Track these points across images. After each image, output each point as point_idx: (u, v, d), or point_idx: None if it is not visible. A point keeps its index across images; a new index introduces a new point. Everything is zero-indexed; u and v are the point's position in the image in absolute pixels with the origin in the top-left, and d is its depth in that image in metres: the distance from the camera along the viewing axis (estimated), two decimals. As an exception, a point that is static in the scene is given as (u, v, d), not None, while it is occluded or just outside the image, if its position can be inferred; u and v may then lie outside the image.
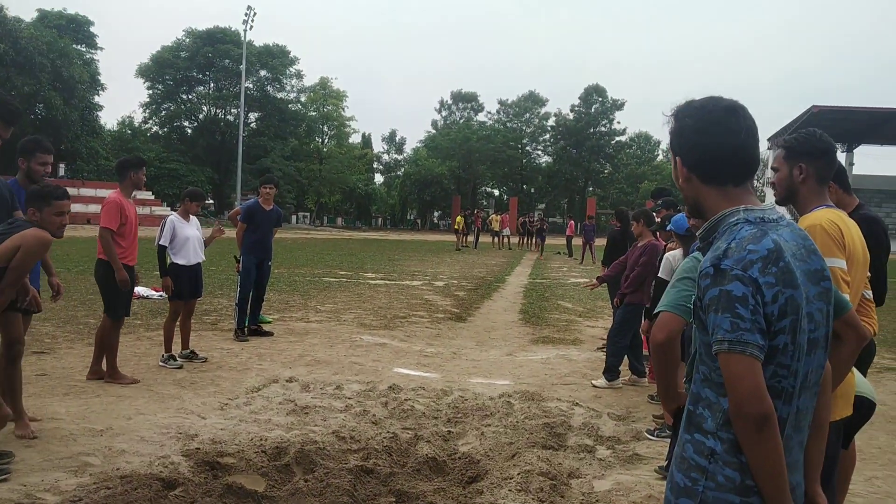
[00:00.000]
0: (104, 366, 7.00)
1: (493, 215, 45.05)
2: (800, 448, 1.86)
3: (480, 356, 9.10)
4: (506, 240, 40.88)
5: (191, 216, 8.20)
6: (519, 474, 4.67)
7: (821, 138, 3.03)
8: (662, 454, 5.27)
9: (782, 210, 2.87)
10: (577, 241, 35.81)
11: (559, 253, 35.34)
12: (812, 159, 3.02)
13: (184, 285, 7.90)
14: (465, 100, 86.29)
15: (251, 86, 69.32)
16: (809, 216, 2.98)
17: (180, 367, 7.62)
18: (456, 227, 38.96)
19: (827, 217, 2.93)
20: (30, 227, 4.74)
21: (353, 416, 6.11)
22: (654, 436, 5.74)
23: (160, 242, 7.87)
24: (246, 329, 9.55)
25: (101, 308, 7.13)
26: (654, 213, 7.99)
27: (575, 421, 6.23)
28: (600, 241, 23.80)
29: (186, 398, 6.49)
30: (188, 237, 7.95)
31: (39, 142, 5.67)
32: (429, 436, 5.57)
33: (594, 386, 7.55)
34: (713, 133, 1.88)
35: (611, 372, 7.59)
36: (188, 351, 8.08)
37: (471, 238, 39.00)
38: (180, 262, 7.89)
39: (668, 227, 6.16)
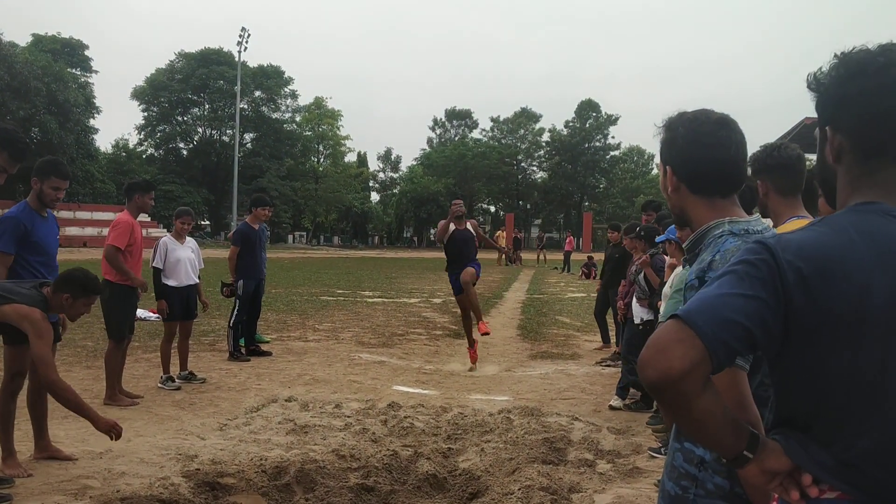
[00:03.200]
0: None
1: (499, 232, 44.80)
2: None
3: (479, 372, 9.10)
4: (503, 256, 40.91)
5: (187, 238, 8.22)
6: (519, 489, 4.66)
7: (770, 153, 3.03)
8: (663, 467, 5.26)
9: (768, 221, 2.89)
10: (576, 257, 35.89)
11: (556, 268, 35.34)
12: (767, 174, 3.03)
13: (175, 307, 7.90)
14: (459, 117, 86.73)
15: (246, 106, 69.67)
16: (779, 228, 3.00)
17: (178, 389, 7.61)
18: None
19: (796, 228, 2.94)
20: (39, 299, 4.67)
21: (353, 434, 6.10)
22: (661, 453, 5.67)
23: (153, 265, 7.90)
24: (243, 349, 9.55)
25: (98, 331, 7.12)
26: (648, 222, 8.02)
27: (575, 435, 6.23)
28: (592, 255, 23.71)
29: (185, 419, 6.48)
30: (179, 259, 7.95)
31: (57, 166, 5.41)
32: (429, 453, 5.57)
33: (611, 407, 7.26)
34: (704, 145, 1.90)
35: (626, 391, 7.43)
36: (186, 372, 8.07)
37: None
38: (171, 283, 7.89)
39: (659, 239, 6.17)
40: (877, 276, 1.36)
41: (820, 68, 1.54)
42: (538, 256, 42.52)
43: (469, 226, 9.83)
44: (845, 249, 1.38)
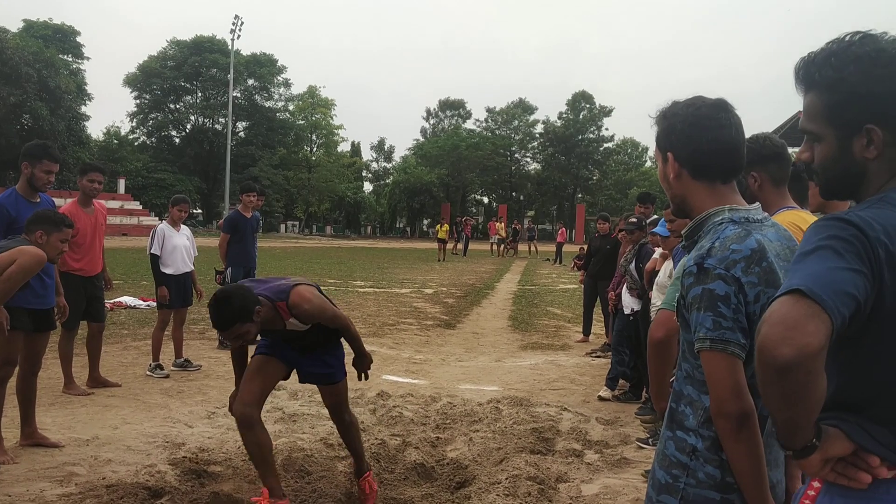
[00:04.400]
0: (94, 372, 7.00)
1: (499, 223, 44.42)
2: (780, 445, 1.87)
3: (469, 362, 9.11)
4: (494, 247, 40.90)
5: (182, 225, 8.19)
6: (507, 479, 4.67)
7: (765, 143, 3.02)
8: (650, 458, 5.27)
9: None
10: (568, 248, 35.92)
11: (548, 259, 35.39)
12: (762, 165, 3.02)
13: (172, 294, 7.87)
14: (453, 107, 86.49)
15: (239, 95, 69.35)
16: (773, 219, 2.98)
17: (167, 377, 7.58)
18: (440, 236, 35.13)
19: (788, 220, 2.94)
20: (27, 244, 4.67)
21: (342, 423, 6.09)
22: (648, 444, 5.69)
23: (151, 251, 7.86)
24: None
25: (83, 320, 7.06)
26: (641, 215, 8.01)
27: (563, 426, 6.24)
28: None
29: (173, 407, 6.47)
30: (175, 246, 7.92)
31: (47, 149, 5.37)
32: (417, 442, 5.57)
33: (600, 398, 7.28)
34: (705, 127, 1.89)
35: (616, 381, 7.43)
36: (182, 360, 8.05)
37: (460, 246, 38.73)
38: (167, 271, 7.86)
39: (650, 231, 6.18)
40: None
41: (830, 62, 1.52)
42: (529, 248, 42.56)
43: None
44: None
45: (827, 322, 1.28)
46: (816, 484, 1.50)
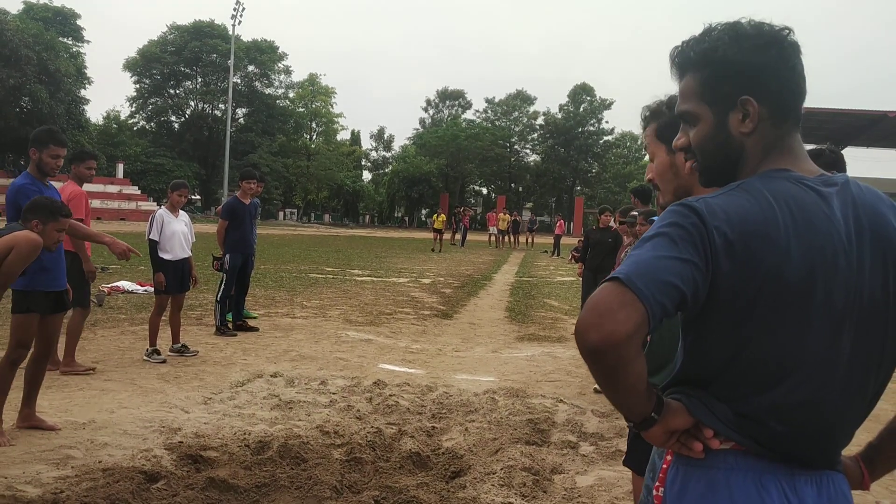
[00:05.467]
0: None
1: (504, 214, 43.90)
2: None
3: (466, 353, 9.12)
4: (492, 238, 40.88)
5: (180, 211, 8.18)
6: (502, 469, 4.69)
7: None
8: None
9: None
10: (566, 241, 35.96)
11: (546, 251, 35.41)
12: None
13: (169, 280, 7.87)
14: (452, 97, 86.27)
15: (239, 81, 69.14)
16: None
17: (164, 362, 7.59)
18: (437, 226, 33.30)
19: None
20: (22, 230, 4.67)
21: (338, 411, 6.11)
22: None
23: (150, 237, 7.86)
24: (230, 324, 9.53)
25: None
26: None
27: (559, 417, 6.26)
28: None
29: (170, 392, 6.47)
30: (174, 232, 7.92)
31: (53, 133, 5.46)
32: (413, 431, 5.58)
33: (596, 390, 7.22)
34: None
35: None
36: (179, 345, 8.05)
37: (458, 236, 38.67)
38: (165, 256, 7.86)
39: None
40: (794, 240, 1.41)
41: (705, 39, 1.55)
42: (526, 239, 42.48)
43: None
44: (766, 215, 1.43)
45: (640, 311, 1.31)
46: (669, 457, 1.56)
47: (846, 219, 1.46)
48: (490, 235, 41.62)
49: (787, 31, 1.61)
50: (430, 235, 34.36)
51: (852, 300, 1.44)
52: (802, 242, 1.42)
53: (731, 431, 1.47)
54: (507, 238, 40.28)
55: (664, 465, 1.57)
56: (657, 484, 1.58)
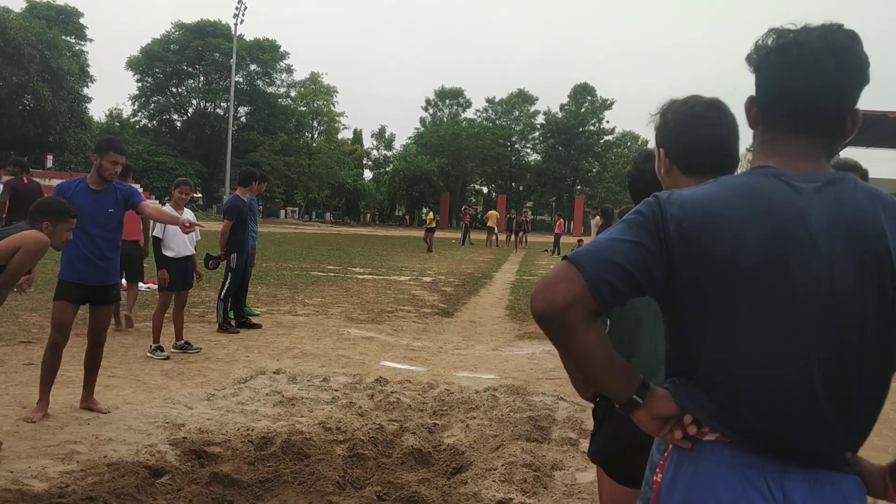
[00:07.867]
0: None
1: (494, 212, 43.74)
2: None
3: (467, 350, 9.16)
4: (494, 237, 40.80)
5: (184, 209, 8.22)
6: (503, 466, 4.73)
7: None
8: (644, 447, 5.33)
9: None
10: (566, 240, 35.95)
11: (546, 250, 35.42)
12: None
13: (173, 277, 7.92)
14: (451, 96, 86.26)
15: (241, 80, 69.21)
16: None
17: (167, 358, 7.64)
18: (429, 224, 31.94)
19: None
20: (29, 230, 4.73)
21: (340, 407, 6.15)
22: None
23: (154, 233, 7.92)
24: (233, 322, 9.58)
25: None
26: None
27: (559, 414, 6.29)
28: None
29: (174, 388, 6.52)
30: (178, 229, 7.95)
31: (113, 142, 5.87)
32: (414, 427, 5.62)
33: None
34: (695, 125, 1.98)
35: None
36: (182, 342, 8.10)
37: (459, 235, 38.50)
38: (169, 253, 7.91)
39: None
40: (751, 227, 1.46)
41: (761, 43, 1.64)
42: (508, 238, 41.95)
43: None
44: (725, 203, 1.50)
45: (581, 284, 1.45)
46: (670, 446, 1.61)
47: (820, 213, 1.47)
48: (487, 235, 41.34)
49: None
50: (436, 235, 34.08)
51: (818, 289, 1.44)
52: (759, 228, 1.46)
53: (714, 422, 1.50)
54: (495, 236, 40.03)
55: (666, 454, 1.61)
56: (657, 471, 1.63)
